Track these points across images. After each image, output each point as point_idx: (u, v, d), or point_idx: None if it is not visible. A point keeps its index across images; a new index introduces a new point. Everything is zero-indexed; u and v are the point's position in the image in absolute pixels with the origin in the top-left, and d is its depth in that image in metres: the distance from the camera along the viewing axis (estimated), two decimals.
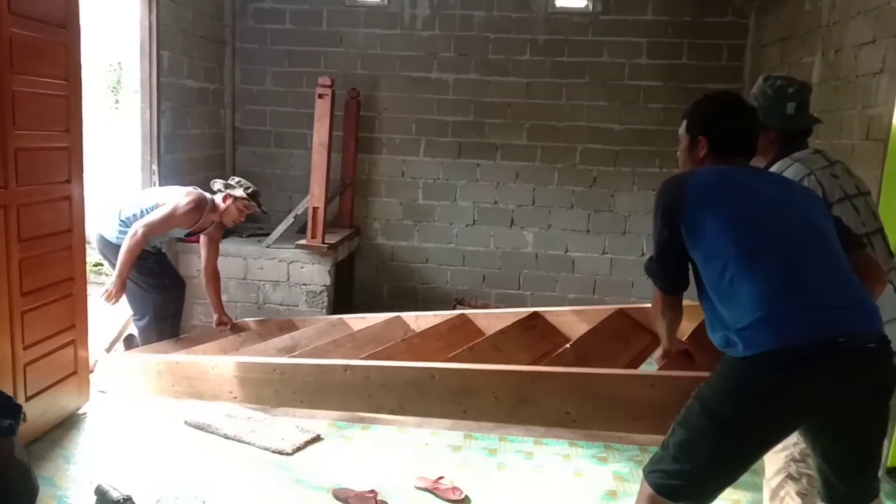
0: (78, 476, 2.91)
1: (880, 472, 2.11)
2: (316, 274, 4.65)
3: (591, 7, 5.17)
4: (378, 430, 3.52)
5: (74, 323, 3.42)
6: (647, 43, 5.17)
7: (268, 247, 4.68)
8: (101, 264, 7.15)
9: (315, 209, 4.55)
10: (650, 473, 1.91)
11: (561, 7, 5.19)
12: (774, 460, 2.29)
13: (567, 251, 5.38)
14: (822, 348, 1.67)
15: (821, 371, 1.68)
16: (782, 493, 2.25)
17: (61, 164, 3.28)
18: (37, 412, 3.11)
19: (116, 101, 10.22)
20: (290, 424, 3.53)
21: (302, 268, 4.63)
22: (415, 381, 3.21)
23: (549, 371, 3.02)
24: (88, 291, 3.59)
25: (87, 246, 3.64)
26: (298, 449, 3.28)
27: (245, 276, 4.67)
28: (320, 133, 4.50)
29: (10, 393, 2.83)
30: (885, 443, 2.06)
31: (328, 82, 4.48)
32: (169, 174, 4.51)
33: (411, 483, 3.01)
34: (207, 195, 3.96)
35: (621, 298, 5.40)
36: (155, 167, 4.36)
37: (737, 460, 1.81)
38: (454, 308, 5.31)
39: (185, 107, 4.73)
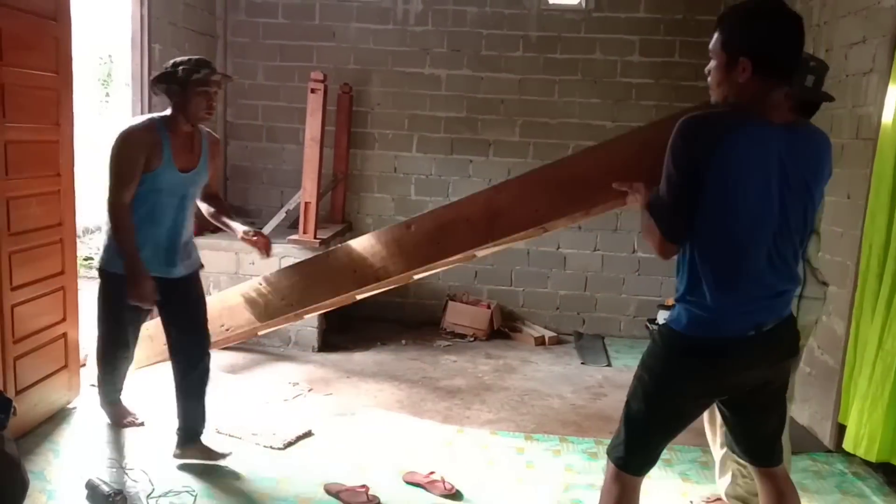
0: (68, 470, 2.90)
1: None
2: None
3: (583, 4, 5.18)
4: (369, 426, 3.53)
5: (65, 317, 3.41)
6: (640, 40, 5.18)
7: None
8: (92, 258, 7.12)
9: (307, 204, 4.54)
10: (612, 451, 2.04)
11: (554, 4, 5.19)
12: (718, 434, 2.60)
13: (559, 248, 5.39)
14: (744, 339, 1.85)
15: (741, 357, 1.87)
16: (728, 462, 2.63)
17: (52, 157, 3.27)
18: (27, 406, 3.10)
19: (107, 95, 10.15)
20: (282, 419, 3.54)
21: (294, 263, 4.62)
22: (394, 239, 3.25)
23: (511, 179, 3.14)
24: (79, 285, 3.58)
25: (77, 239, 3.62)
26: (290, 444, 3.29)
27: (237, 271, 4.65)
28: (312, 128, 4.49)
29: (0, 387, 2.82)
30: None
31: (320, 77, 4.46)
32: None
33: (402, 478, 3.02)
34: (149, 116, 2.98)
35: (612, 295, 5.42)
36: None
37: (674, 421, 1.99)
38: (446, 305, 5.32)
39: None
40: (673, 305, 1.96)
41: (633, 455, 1.99)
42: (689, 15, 5.13)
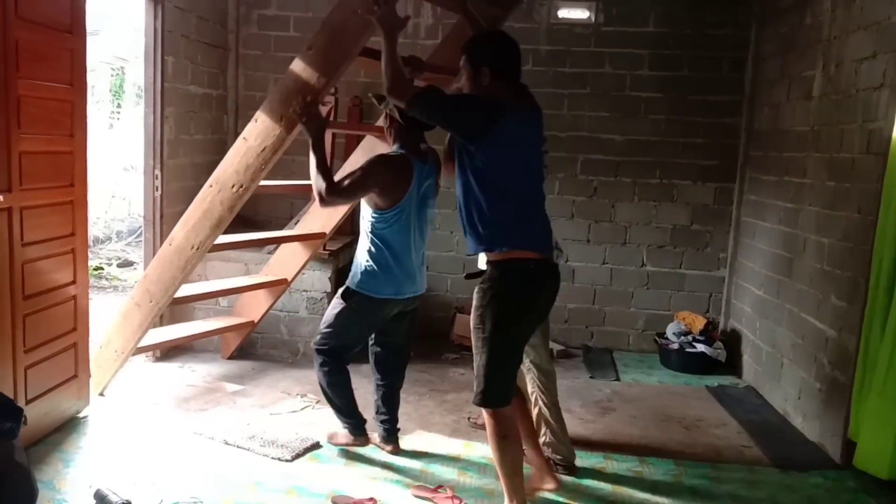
0: (77, 480, 2.91)
1: None
2: (316, 280, 4.66)
3: (593, 18, 5.20)
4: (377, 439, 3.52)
5: (76, 326, 3.43)
6: (649, 54, 5.19)
7: (269, 253, 4.69)
8: (102, 268, 7.17)
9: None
10: (477, 398, 2.63)
11: (563, 18, 5.22)
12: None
13: (567, 261, 5.39)
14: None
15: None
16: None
17: (65, 168, 3.30)
18: (37, 415, 3.11)
19: (118, 106, 10.25)
20: (290, 431, 3.54)
21: (303, 274, 4.63)
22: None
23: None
24: (90, 295, 3.61)
25: (89, 250, 3.65)
26: (297, 456, 3.29)
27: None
28: None
29: (11, 396, 2.83)
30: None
31: (331, 90, 4.49)
32: (171, 179, 4.51)
33: (410, 491, 3.01)
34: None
35: (621, 309, 5.41)
36: (158, 172, 4.37)
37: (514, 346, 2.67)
38: (454, 317, 5.31)
39: (189, 112, 4.75)
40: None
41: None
42: (697, 29, 5.14)
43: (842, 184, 3.67)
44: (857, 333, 3.31)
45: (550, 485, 2.97)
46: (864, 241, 3.35)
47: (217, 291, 4.31)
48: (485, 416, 2.65)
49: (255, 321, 4.53)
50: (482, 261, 2.93)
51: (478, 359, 2.64)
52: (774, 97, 4.66)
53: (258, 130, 3.38)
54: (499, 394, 2.62)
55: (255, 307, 4.51)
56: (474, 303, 2.67)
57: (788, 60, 4.48)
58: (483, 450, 3.45)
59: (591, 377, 4.72)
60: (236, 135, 5.46)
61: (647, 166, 5.27)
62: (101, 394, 3.81)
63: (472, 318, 2.66)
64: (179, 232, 3.54)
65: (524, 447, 2.87)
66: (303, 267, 4.44)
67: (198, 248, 3.50)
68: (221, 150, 5.37)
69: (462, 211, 2.68)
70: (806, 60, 4.19)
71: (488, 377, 2.59)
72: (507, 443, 2.62)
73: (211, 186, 3.46)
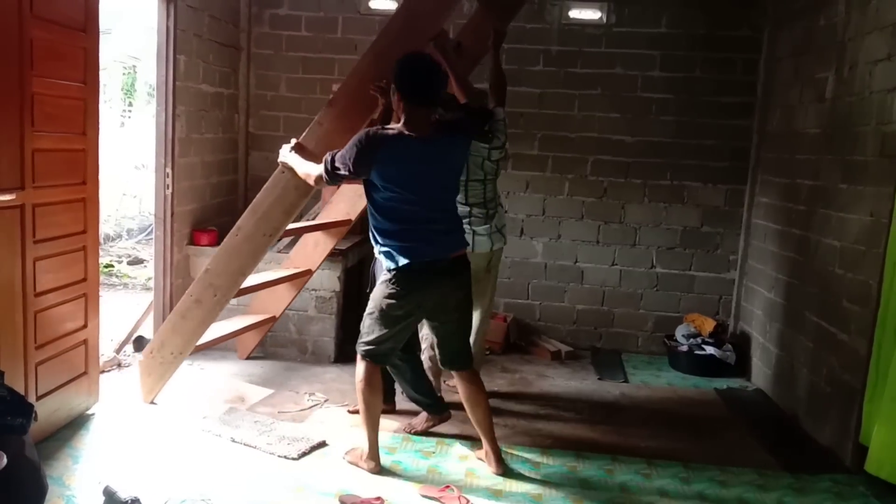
0: (86, 476, 2.93)
1: None
2: (326, 279, 4.66)
3: (604, 19, 5.18)
4: (384, 438, 3.52)
5: (86, 323, 3.45)
6: (661, 55, 5.17)
7: (279, 251, 4.70)
8: (112, 266, 7.21)
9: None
10: (359, 346, 3.12)
11: (575, 18, 5.20)
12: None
13: (576, 262, 5.37)
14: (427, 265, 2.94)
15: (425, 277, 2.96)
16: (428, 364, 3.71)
17: (77, 165, 3.32)
18: (47, 411, 3.13)
19: (129, 104, 10.30)
20: (298, 429, 3.54)
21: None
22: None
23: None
24: (100, 292, 3.63)
25: (99, 247, 3.67)
26: (304, 454, 3.29)
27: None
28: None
29: (22, 392, 2.85)
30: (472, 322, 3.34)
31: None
32: (182, 177, 4.53)
33: (418, 491, 3.01)
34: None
35: (630, 310, 5.39)
36: (169, 170, 4.39)
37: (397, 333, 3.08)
38: None
39: (200, 111, 4.77)
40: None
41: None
42: (710, 30, 5.12)
43: (855, 186, 3.64)
44: (869, 337, 3.29)
45: (493, 468, 3.24)
46: (876, 244, 3.32)
47: (271, 282, 4.22)
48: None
49: (276, 316, 4.51)
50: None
51: None
52: (787, 99, 4.63)
53: (333, 115, 3.38)
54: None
55: (272, 303, 4.50)
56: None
57: (802, 62, 4.45)
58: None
59: (599, 378, 4.71)
60: (247, 134, 5.51)
61: (658, 168, 5.25)
62: (153, 402, 3.73)
63: None
64: (248, 220, 3.47)
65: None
66: (327, 256, 4.42)
67: (270, 235, 3.49)
68: (233, 148, 5.40)
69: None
70: (820, 62, 4.16)
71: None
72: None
73: (283, 172, 3.39)
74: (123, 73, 10.07)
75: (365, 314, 3.13)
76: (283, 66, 5.45)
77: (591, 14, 5.18)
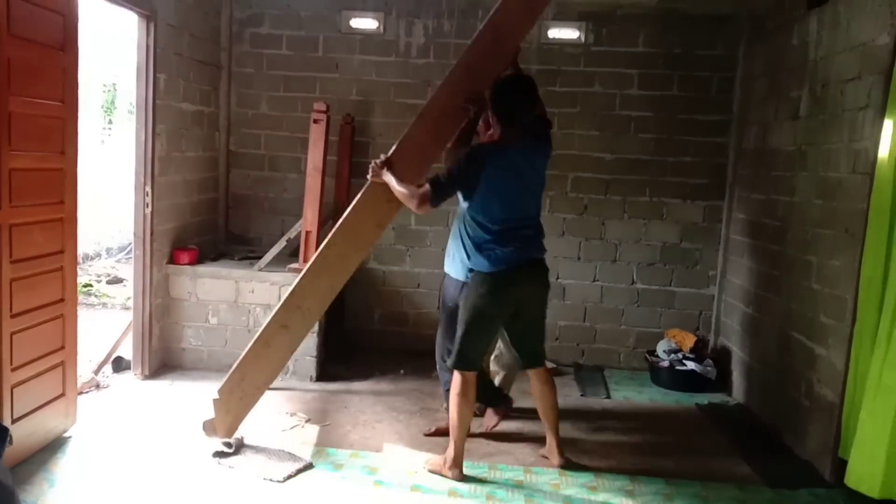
0: (62, 500, 2.87)
1: None
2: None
3: (583, 38, 5.25)
4: (368, 458, 3.50)
5: (64, 344, 3.41)
6: (639, 74, 5.25)
7: (259, 270, 4.67)
8: (91, 285, 7.13)
9: (308, 233, 4.56)
10: (452, 362, 3.33)
11: (553, 38, 5.26)
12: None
13: (558, 278, 5.40)
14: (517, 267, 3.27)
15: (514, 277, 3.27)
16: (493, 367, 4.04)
17: (55, 185, 3.29)
18: (23, 434, 3.08)
19: (110, 122, 10.24)
20: (282, 451, 3.51)
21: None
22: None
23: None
24: (78, 312, 3.58)
25: (78, 267, 3.63)
26: (290, 476, 3.26)
27: (236, 300, 4.65)
28: (314, 157, 4.53)
29: None
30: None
31: (323, 108, 4.51)
32: (163, 196, 4.51)
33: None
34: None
35: (612, 326, 5.42)
36: (148, 189, 4.36)
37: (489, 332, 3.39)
38: None
39: (180, 129, 4.75)
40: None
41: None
42: (687, 49, 5.20)
43: (830, 203, 3.71)
44: (847, 352, 3.33)
45: (556, 460, 3.52)
46: (852, 260, 3.37)
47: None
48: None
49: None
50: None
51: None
52: (763, 117, 4.71)
53: (424, 128, 3.39)
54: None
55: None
56: None
57: (776, 81, 4.53)
58: (474, 469, 3.44)
59: (581, 395, 4.72)
60: (228, 152, 5.49)
61: (637, 184, 5.31)
62: (231, 441, 3.45)
63: None
64: (340, 236, 3.42)
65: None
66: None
67: (362, 249, 3.51)
68: (213, 167, 5.38)
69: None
70: (793, 81, 4.25)
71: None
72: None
73: (375, 187, 3.39)
74: (104, 91, 10.02)
75: (459, 334, 3.33)
76: (263, 84, 5.46)
77: (569, 33, 5.25)
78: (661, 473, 3.51)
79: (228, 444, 3.40)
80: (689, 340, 5.05)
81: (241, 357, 3.48)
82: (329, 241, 3.40)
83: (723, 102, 5.21)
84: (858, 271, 3.26)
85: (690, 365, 4.90)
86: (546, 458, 3.58)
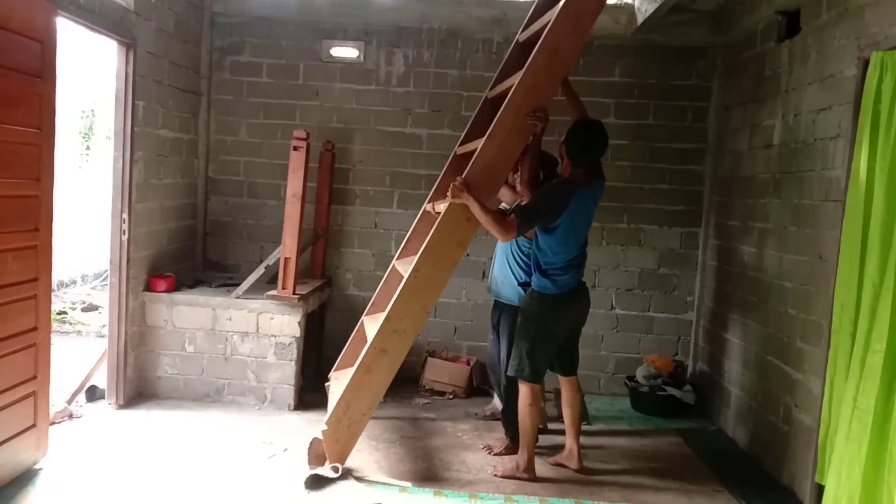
0: None
1: None
2: (286, 325, 4.61)
3: None
4: (347, 489, 3.45)
5: (36, 374, 3.35)
6: (615, 103, 5.32)
7: (237, 297, 4.64)
8: (65, 312, 7.02)
9: (286, 259, 4.53)
10: (516, 374, 3.70)
11: None
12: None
13: None
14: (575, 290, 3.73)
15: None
16: None
17: (30, 212, 3.26)
18: None
19: (88, 148, 10.16)
20: (260, 481, 3.45)
21: (271, 318, 4.59)
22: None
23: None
24: (52, 340, 3.52)
25: (52, 294, 3.58)
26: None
27: (213, 327, 4.60)
28: (294, 184, 4.52)
29: None
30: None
31: (303, 135, 4.53)
32: (140, 223, 4.47)
33: None
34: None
35: (592, 352, 5.42)
36: (125, 216, 4.32)
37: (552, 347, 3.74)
38: (425, 361, 5.28)
39: (159, 156, 4.73)
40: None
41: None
42: (662, 80, 5.30)
43: (803, 230, 3.77)
44: (823, 376, 3.36)
45: (574, 465, 3.86)
46: (826, 286, 3.42)
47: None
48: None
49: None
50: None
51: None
52: (737, 145, 4.80)
53: (493, 148, 3.55)
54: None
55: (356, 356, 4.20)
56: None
57: (749, 110, 4.63)
58: (454, 499, 3.41)
59: (546, 428, 4.69)
60: (207, 179, 5.48)
61: (615, 211, 5.36)
62: (339, 469, 3.52)
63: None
64: (426, 259, 3.55)
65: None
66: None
67: (448, 270, 3.61)
68: (192, 193, 5.36)
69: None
70: (766, 110, 4.34)
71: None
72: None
73: (454, 208, 3.52)
74: (82, 116, 9.95)
75: (518, 347, 3.71)
76: (243, 111, 5.46)
77: None
78: (641, 499, 3.50)
79: (336, 469, 3.51)
80: (668, 366, 5.07)
81: (343, 387, 3.61)
82: (416, 264, 3.55)
83: (698, 131, 5.31)
84: (833, 297, 3.30)
85: (670, 390, 4.92)
86: (561, 465, 3.89)
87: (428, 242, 3.56)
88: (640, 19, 4.97)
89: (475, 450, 4.09)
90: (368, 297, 5.53)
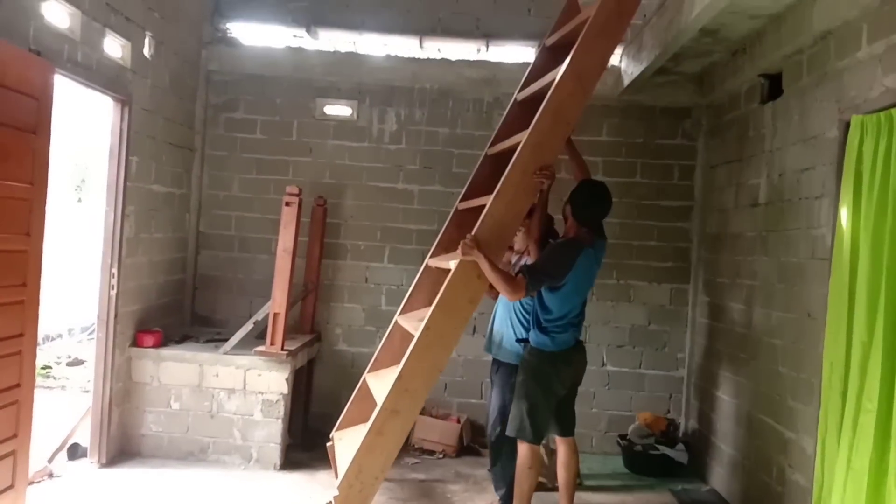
0: None
1: None
2: (273, 382, 4.54)
3: None
4: None
5: (17, 432, 3.27)
6: (603, 161, 5.41)
7: (225, 353, 4.58)
8: (50, 367, 6.91)
9: (276, 315, 4.51)
10: (517, 434, 3.66)
11: None
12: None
13: None
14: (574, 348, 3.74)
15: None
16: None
17: (18, 266, 3.24)
18: None
19: (79, 199, 10.18)
20: None
21: (259, 375, 4.53)
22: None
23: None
24: (36, 395, 3.45)
25: (37, 347, 3.53)
26: None
27: (199, 384, 4.53)
28: (285, 239, 4.53)
29: None
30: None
31: (296, 191, 4.56)
32: (129, 277, 4.45)
33: None
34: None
35: (584, 409, 5.30)
36: (115, 270, 4.31)
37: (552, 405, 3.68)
38: None
39: (150, 210, 4.75)
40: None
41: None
42: (648, 139, 5.41)
43: (791, 287, 3.79)
44: (815, 435, 3.33)
45: None
46: (815, 343, 3.43)
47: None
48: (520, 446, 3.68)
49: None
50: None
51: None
52: (723, 203, 4.87)
53: (502, 205, 3.57)
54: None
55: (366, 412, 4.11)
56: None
57: (735, 169, 4.71)
58: None
59: (554, 487, 4.61)
60: (198, 234, 5.48)
61: (605, 267, 5.28)
62: None
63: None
64: (438, 317, 3.49)
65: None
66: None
67: (459, 326, 3.58)
68: (182, 248, 5.36)
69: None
70: (751, 169, 4.42)
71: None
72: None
73: (465, 266, 3.51)
74: (75, 168, 10.00)
75: (517, 407, 3.66)
76: (236, 166, 5.51)
77: None
78: None
79: None
80: (660, 424, 5.02)
81: (354, 449, 3.51)
82: (428, 322, 3.50)
83: (685, 189, 5.39)
84: (822, 355, 3.30)
85: (663, 449, 4.86)
86: None
87: (439, 299, 3.53)
88: (626, 81, 5.10)
89: None
90: (358, 352, 5.50)
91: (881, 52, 3.02)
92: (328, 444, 4.22)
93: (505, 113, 4.48)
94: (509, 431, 3.70)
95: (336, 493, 3.45)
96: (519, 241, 4.06)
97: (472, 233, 3.50)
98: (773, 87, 4.17)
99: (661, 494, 4.51)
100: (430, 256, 4.29)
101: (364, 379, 4.22)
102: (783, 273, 3.91)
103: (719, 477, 4.61)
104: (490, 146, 4.39)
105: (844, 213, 3.15)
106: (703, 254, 5.22)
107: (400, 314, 4.24)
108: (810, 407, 3.45)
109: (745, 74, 4.41)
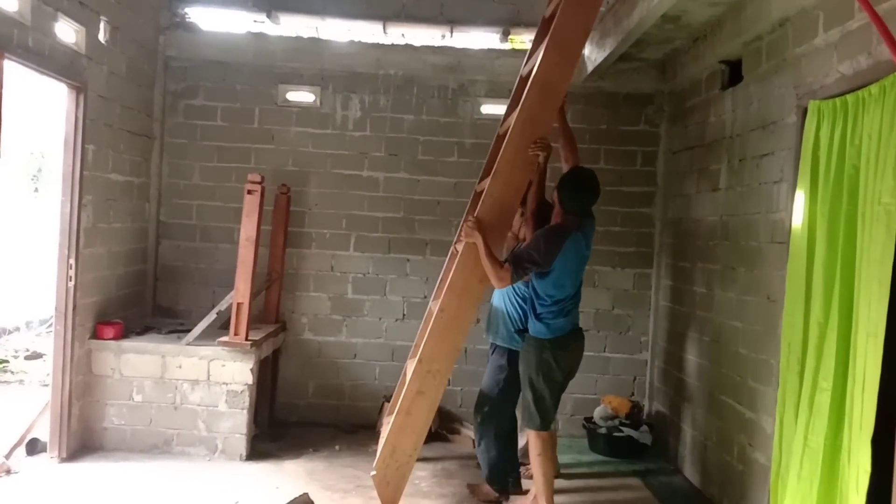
0: None
1: None
2: (238, 372, 4.49)
3: None
4: None
5: None
6: None
7: (188, 344, 4.52)
8: (7, 361, 6.74)
9: (239, 305, 4.45)
10: (528, 423, 3.72)
11: (486, 114, 5.43)
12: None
13: None
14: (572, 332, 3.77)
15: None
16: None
17: None
18: None
19: (36, 190, 9.92)
20: None
21: (223, 366, 4.47)
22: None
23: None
24: None
25: None
26: None
27: (162, 376, 4.46)
28: (248, 228, 4.47)
29: None
30: None
31: (258, 178, 4.49)
32: (87, 268, 4.35)
33: None
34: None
35: None
36: (72, 261, 4.20)
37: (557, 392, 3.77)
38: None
39: (108, 200, 4.64)
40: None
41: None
42: (612, 125, 5.44)
43: (751, 271, 3.87)
44: (774, 415, 3.41)
45: None
46: (774, 325, 3.50)
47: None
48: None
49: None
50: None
51: None
52: (685, 188, 4.93)
53: (500, 184, 3.66)
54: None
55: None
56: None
57: (696, 155, 4.77)
58: None
59: (521, 465, 4.65)
60: (158, 223, 5.38)
61: None
62: None
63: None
64: (451, 299, 3.65)
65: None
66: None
67: (472, 306, 3.70)
68: (142, 238, 5.25)
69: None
70: (712, 155, 4.48)
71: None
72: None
73: (471, 248, 3.63)
74: (31, 158, 9.73)
75: (524, 397, 3.76)
76: (197, 154, 5.41)
77: (500, 109, 5.39)
78: None
79: None
80: (624, 406, 5.09)
81: (387, 431, 3.75)
82: (441, 304, 3.66)
83: (647, 175, 5.44)
84: (780, 336, 3.37)
85: (627, 431, 4.93)
86: None
87: (450, 282, 3.69)
88: (589, 67, 5.12)
89: (433, 497, 4.02)
90: (324, 341, 5.47)
91: (837, 39, 3.08)
92: (377, 430, 4.45)
93: (513, 90, 4.44)
94: (521, 422, 3.77)
95: (373, 472, 3.67)
96: (517, 225, 4.08)
97: (475, 214, 3.60)
98: (734, 73, 4.23)
99: (625, 476, 4.59)
100: (455, 242, 4.37)
101: (406, 365, 4.37)
102: (743, 257, 3.98)
103: (683, 457, 4.70)
104: (501, 125, 4.39)
105: (801, 198, 3.21)
106: (666, 239, 5.29)
107: (433, 300, 4.39)
108: (769, 387, 3.53)
109: (706, 61, 4.46)
